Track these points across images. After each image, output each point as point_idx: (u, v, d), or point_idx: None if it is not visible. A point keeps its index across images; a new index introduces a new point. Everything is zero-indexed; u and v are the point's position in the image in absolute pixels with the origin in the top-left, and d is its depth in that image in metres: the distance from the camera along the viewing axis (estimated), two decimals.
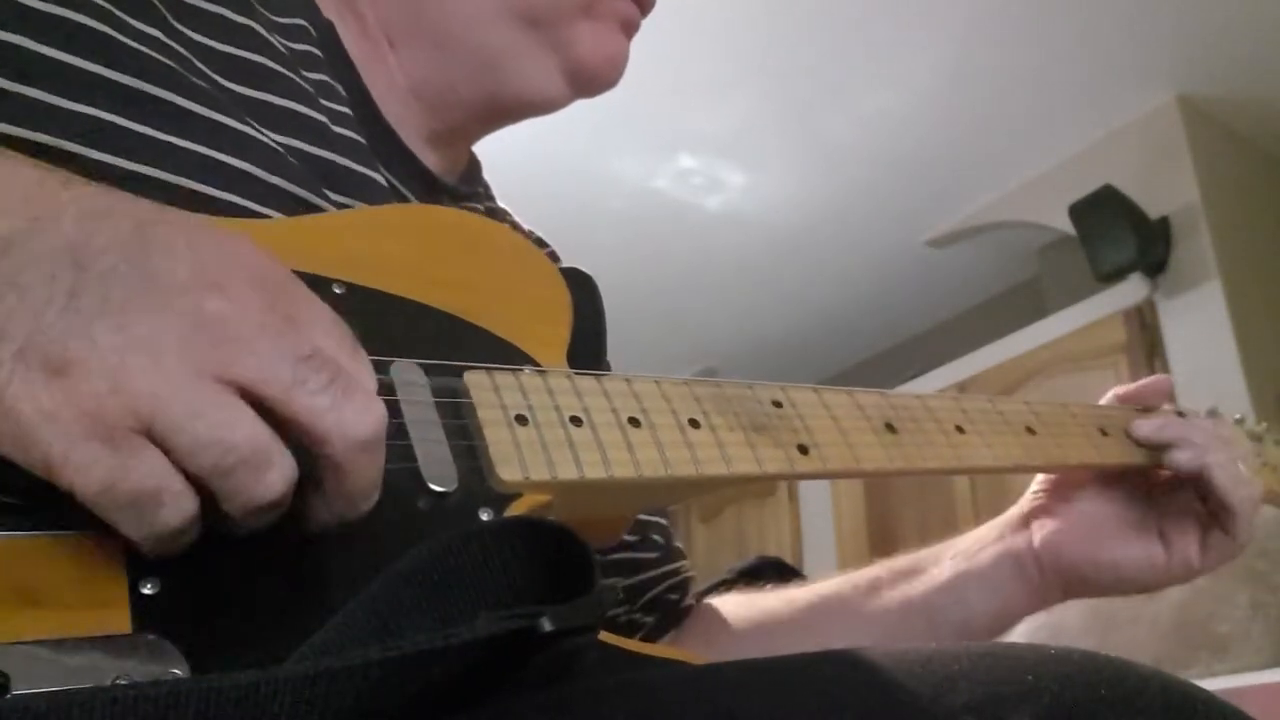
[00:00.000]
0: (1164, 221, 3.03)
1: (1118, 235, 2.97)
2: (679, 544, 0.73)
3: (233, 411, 0.32)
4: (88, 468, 0.30)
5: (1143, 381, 0.75)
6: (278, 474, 0.33)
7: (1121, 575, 0.67)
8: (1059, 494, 0.71)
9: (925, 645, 0.35)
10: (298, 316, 0.35)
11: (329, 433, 0.34)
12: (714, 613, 0.74)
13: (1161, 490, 0.71)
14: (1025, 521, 0.71)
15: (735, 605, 0.75)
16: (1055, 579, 0.68)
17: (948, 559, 0.70)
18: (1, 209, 0.32)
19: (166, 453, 0.31)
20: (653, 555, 0.70)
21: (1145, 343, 3.04)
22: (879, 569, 0.73)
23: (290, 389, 0.33)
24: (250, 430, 0.32)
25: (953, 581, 0.69)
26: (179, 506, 0.32)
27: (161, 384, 0.31)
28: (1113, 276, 3.05)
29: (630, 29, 0.66)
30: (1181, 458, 0.67)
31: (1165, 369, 2.97)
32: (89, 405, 0.30)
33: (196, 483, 0.32)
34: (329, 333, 0.35)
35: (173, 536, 0.32)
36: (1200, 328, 2.91)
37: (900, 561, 0.73)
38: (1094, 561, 0.67)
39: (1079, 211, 3.06)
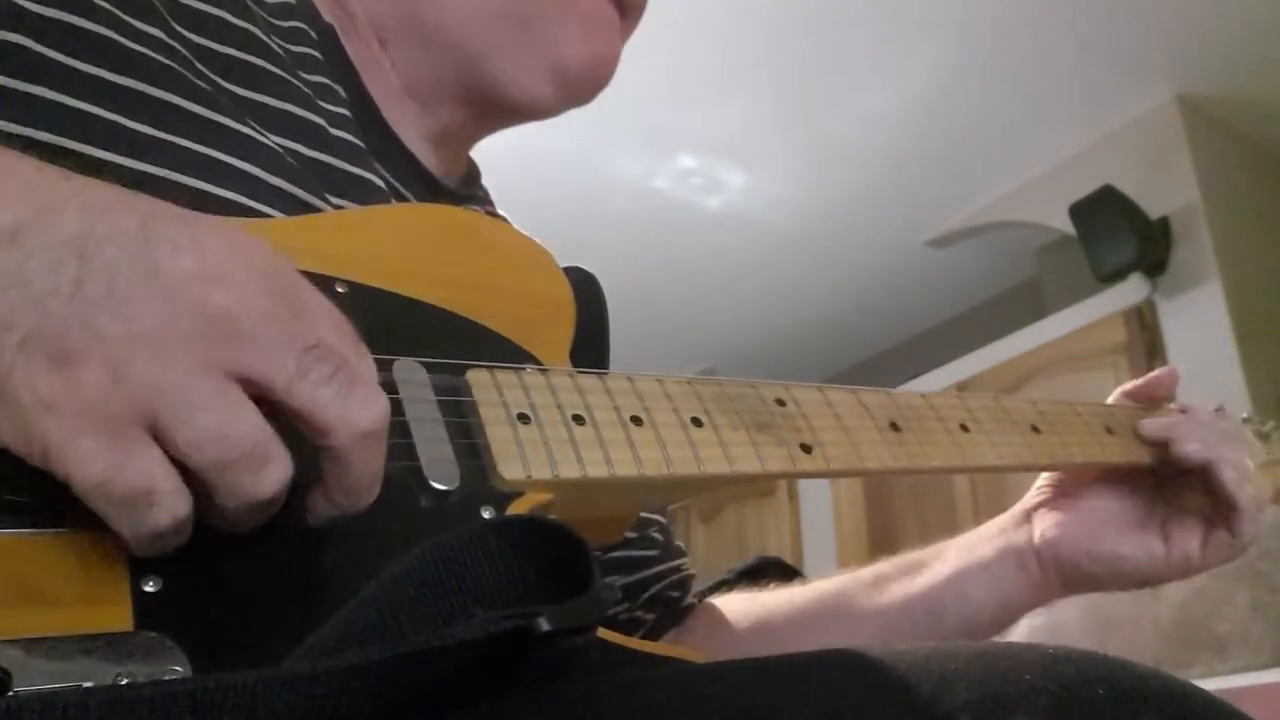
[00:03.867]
0: (1164, 221, 3.03)
1: (1118, 235, 2.97)
2: (679, 542, 0.73)
3: (235, 406, 0.32)
4: (86, 461, 0.30)
5: (1149, 375, 0.75)
6: (275, 471, 0.33)
7: (1120, 569, 0.68)
8: (1062, 490, 0.71)
9: (924, 645, 0.35)
10: (301, 309, 0.35)
11: (332, 424, 0.34)
12: (715, 611, 0.74)
13: (1166, 488, 0.71)
14: (1027, 517, 0.71)
15: (737, 603, 0.75)
16: (1055, 573, 0.68)
17: (950, 554, 0.71)
18: (5, 200, 0.32)
19: (167, 446, 0.31)
20: (652, 553, 0.70)
21: (1145, 343, 3.04)
22: (885, 565, 0.73)
23: (294, 381, 0.33)
24: (252, 427, 0.32)
25: (955, 576, 0.69)
26: (170, 508, 0.32)
27: (164, 376, 0.31)
28: (1113, 276, 3.05)
29: (619, 28, 0.66)
30: (1190, 448, 0.67)
31: None
32: (90, 396, 0.30)
33: (194, 476, 0.32)
34: (332, 326, 0.35)
35: (162, 537, 0.32)
36: (1200, 328, 2.91)
37: (905, 558, 0.73)
38: (1093, 555, 0.67)
39: (1079, 211, 3.07)
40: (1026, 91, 3.07)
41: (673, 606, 0.71)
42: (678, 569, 0.71)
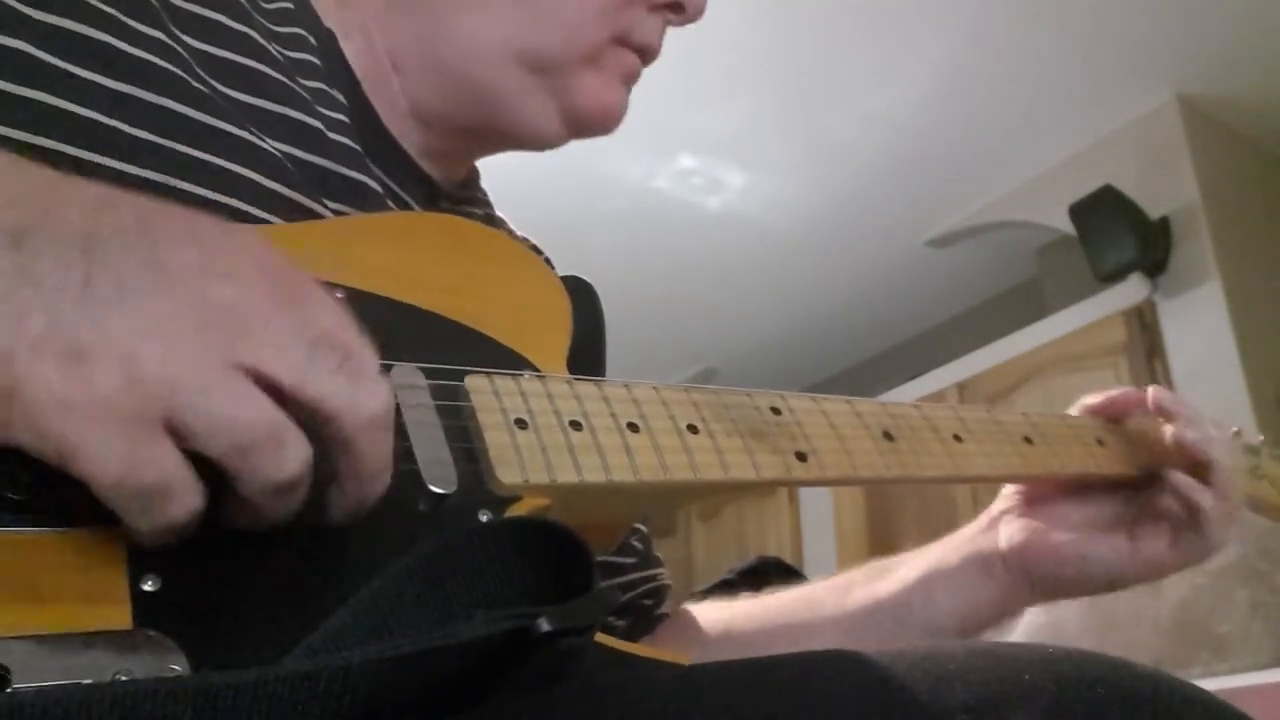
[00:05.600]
0: (1164, 221, 3.03)
1: (1118, 235, 2.97)
2: (657, 554, 0.73)
3: (248, 393, 0.32)
4: (103, 459, 0.30)
5: (1112, 394, 0.74)
6: (294, 452, 0.33)
7: (1087, 570, 0.67)
8: (1029, 496, 0.71)
9: (921, 645, 0.35)
10: (303, 301, 0.35)
11: (341, 412, 0.34)
12: (689, 619, 0.74)
13: (1136, 492, 0.71)
14: (993, 523, 0.71)
15: (709, 610, 0.76)
16: (1023, 577, 0.68)
17: (918, 560, 0.71)
18: (8, 201, 0.32)
19: (184, 439, 0.31)
20: (629, 560, 0.70)
21: (1145, 343, 3.04)
22: (855, 572, 0.73)
23: (303, 371, 0.33)
24: (267, 411, 0.33)
25: (921, 581, 0.69)
26: (186, 502, 0.32)
27: (177, 370, 0.31)
28: (1113, 276, 3.05)
29: (631, 80, 0.66)
30: (1190, 434, 0.68)
31: (1165, 369, 2.97)
32: (105, 393, 0.30)
33: (213, 465, 0.32)
34: (334, 317, 0.36)
35: (174, 531, 0.33)
36: (1200, 328, 2.91)
37: (875, 564, 0.73)
38: (1059, 557, 0.67)
39: (1079, 211, 3.06)
40: (1026, 91, 3.07)
41: (645, 615, 0.71)
42: (653, 578, 0.71)
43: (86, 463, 0.30)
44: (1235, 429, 0.79)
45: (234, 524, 0.35)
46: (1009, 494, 0.72)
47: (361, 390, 0.35)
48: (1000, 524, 0.70)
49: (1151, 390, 0.72)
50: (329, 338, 0.35)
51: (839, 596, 0.72)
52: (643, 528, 0.72)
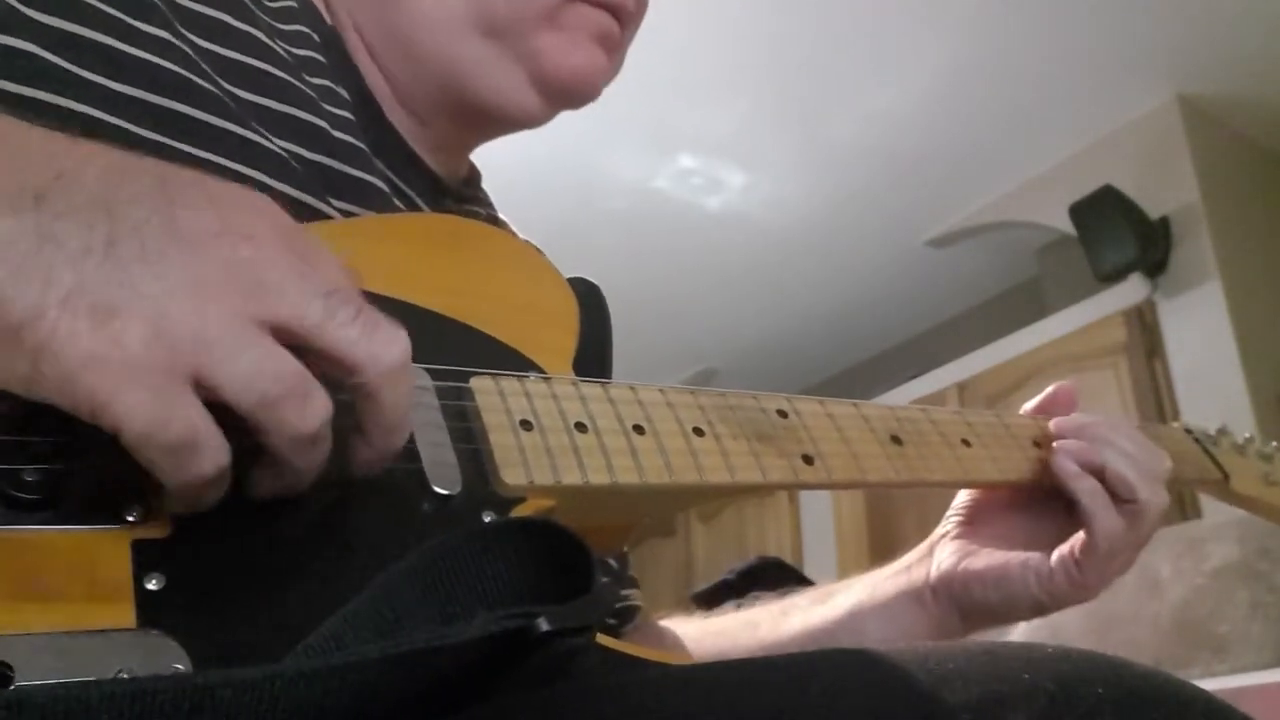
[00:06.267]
0: (1164, 221, 3.03)
1: (1118, 235, 2.97)
2: (633, 573, 0.72)
3: (272, 349, 0.34)
4: (132, 413, 0.31)
5: (1046, 392, 0.71)
6: (319, 404, 0.35)
7: (1009, 596, 0.64)
8: (969, 517, 0.69)
9: (923, 644, 0.35)
10: (316, 260, 0.37)
11: (362, 361, 0.36)
12: (653, 633, 0.74)
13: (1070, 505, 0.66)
14: (930, 550, 0.69)
15: (674, 625, 0.76)
16: (950, 606, 0.66)
17: (855, 589, 0.70)
18: (24, 165, 0.33)
19: (212, 392, 0.32)
20: (607, 581, 0.69)
21: (1145, 343, 3.04)
22: (800, 596, 0.73)
23: (323, 323, 0.35)
24: (290, 364, 0.34)
25: (852, 613, 0.69)
26: (214, 456, 0.33)
27: (203, 328, 0.32)
28: (1113, 276, 3.05)
29: (607, 40, 0.64)
30: (1064, 465, 0.64)
31: (1165, 369, 2.97)
32: (135, 350, 0.31)
33: (241, 419, 0.33)
34: (344, 274, 0.37)
35: (204, 485, 0.34)
36: (1200, 328, 2.91)
37: (821, 589, 0.73)
38: (981, 584, 0.65)
39: (1079, 211, 3.07)
40: (1026, 91, 3.07)
41: (608, 632, 0.71)
42: (624, 599, 0.71)
43: (118, 417, 0.31)
44: (1247, 435, 0.78)
45: (260, 490, 0.36)
46: (952, 515, 0.70)
47: (379, 339, 0.36)
48: (935, 549, 0.69)
49: (1053, 424, 0.68)
50: (342, 291, 0.36)
51: (776, 621, 0.72)
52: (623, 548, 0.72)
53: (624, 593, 0.71)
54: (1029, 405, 0.72)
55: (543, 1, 0.61)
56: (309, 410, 0.34)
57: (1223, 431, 0.78)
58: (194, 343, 0.32)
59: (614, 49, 0.65)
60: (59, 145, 0.34)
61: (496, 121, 0.66)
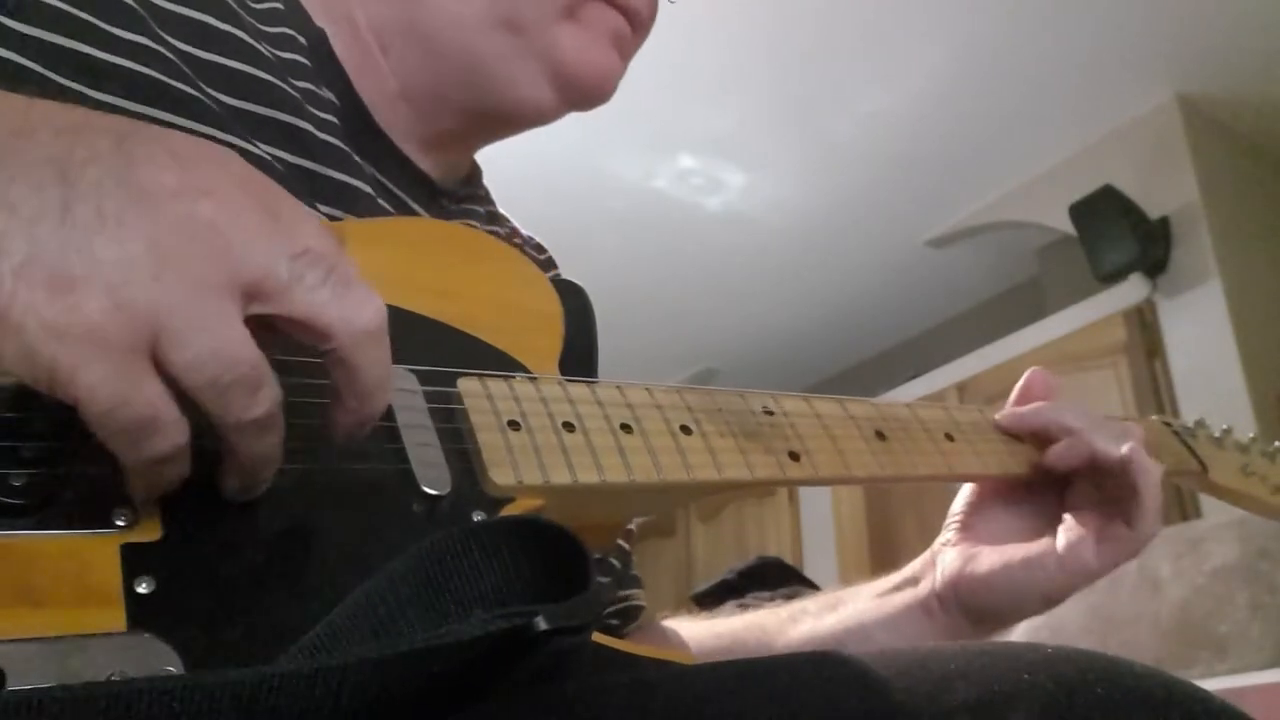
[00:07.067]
0: (1164, 221, 3.03)
1: (1118, 235, 2.98)
2: (635, 572, 0.72)
3: (232, 329, 0.32)
4: (93, 389, 0.30)
5: (1019, 385, 0.71)
6: (268, 393, 0.33)
7: (1018, 595, 0.64)
8: (967, 521, 0.69)
9: (923, 645, 0.35)
10: (285, 216, 0.35)
11: (333, 325, 0.34)
12: (657, 634, 0.74)
13: (1061, 493, 0.67)
14: (933, 559, 0.69)
15: (680, 626, 0.75)
16: (959, 614, 0.66)
17: (862, 599, 0.70)
18: None
19: (165, 366, 0.32)
20: (604, 580, 0.69)
21: (1145, 343, 3.04)
22: (810, 601, 0.73)
23: (290, 287, 0.33)
24: (247, 350, 0.33)
25: (862, 622, 0.68)
26: (170, 436, 0.32)
27: (163, 298, 0.31)
28: (1113, 276, 3.06)
29: (621, 43, 0.65)
30: (1060, 450, 0.65)
31: (1165, 369, 2.97)
32: (95, 321, 0.30)
33: (191, 399, 0.32)
34: (316, 231, 0.35)
35: (161, 465, 0.33)
36: (1200, 328, 2.91)
37: (829, 595, 0.73)
38: (988, 588, 0.64)
39: (1079, 211, 3.07)
40: (1027, 91, 3.07)
41: (610, 632, 0.71)
42: (626, 598, 0.71)
43: (78, 391, 0.30)
44: (1225, 426, 0.78)
45: (227, 482, 0.35)
46: (950, 521, 0.70)
47: (350, 301, 0.35)
48: (938, 557, 0.68)
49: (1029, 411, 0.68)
50: (312, 251, 0.34)
51: (786, 626, 0.71)
52: (625, 545, 0.72)
53: (627, 592, 0.71)
54: (1010, 400, 0.72)
55: None
56: (256, 399, 0.33)
57: (1200, 424, 0.78)
58: (153, 313, 0.31)
59: (625, 53, 0.66)
60: (12, 107, 0.33)
61: (508, 118, 0.66)
